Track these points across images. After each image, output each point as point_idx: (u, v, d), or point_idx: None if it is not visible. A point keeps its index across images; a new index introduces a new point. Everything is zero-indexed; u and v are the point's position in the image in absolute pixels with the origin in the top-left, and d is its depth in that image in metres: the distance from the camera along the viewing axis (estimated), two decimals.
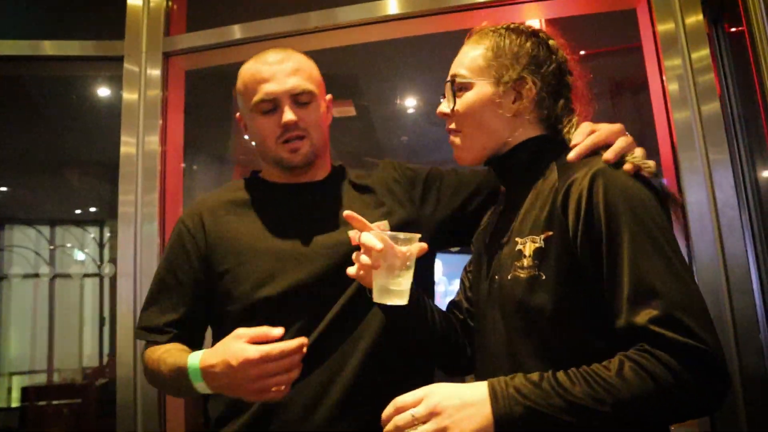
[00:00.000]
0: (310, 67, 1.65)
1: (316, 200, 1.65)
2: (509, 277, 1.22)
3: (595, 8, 2.55)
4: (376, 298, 1.27)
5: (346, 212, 1.34)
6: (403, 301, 1.27)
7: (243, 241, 1.57)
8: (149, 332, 1.60)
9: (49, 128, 4.46)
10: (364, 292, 1.38)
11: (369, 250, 1.25)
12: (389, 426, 1.06)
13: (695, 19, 2.18)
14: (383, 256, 1.23)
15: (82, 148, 4.80)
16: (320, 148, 1.65)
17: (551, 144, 1.34)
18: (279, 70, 1.58)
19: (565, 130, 1.34)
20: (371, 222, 1.35)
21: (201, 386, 1.39)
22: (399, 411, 1.05)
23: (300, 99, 1.58)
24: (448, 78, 1.39)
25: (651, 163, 1.18)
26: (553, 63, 1.35)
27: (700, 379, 0.99)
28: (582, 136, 1.27)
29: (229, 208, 1.65)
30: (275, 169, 1.67)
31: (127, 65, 2.72)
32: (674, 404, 1.00)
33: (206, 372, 1.36)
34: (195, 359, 1.39)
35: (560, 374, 1.04)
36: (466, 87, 1.35)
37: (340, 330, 1.49)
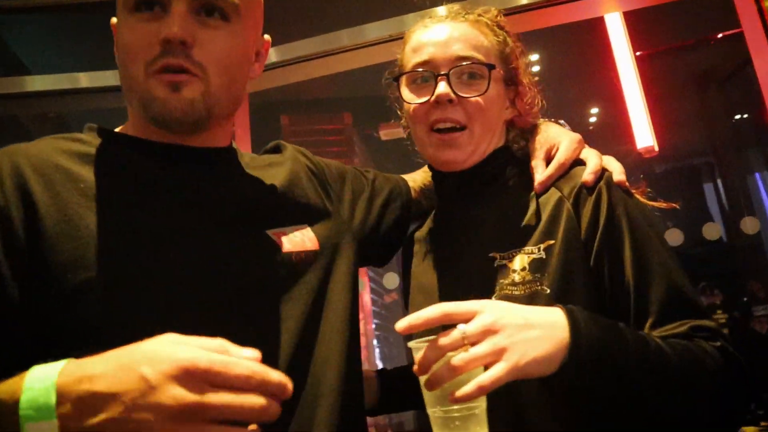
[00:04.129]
0: None
1: (216, 179, 1.06)
2: (494, 299, 1.07)
3: None
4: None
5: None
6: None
7: (108, 229, 0.91)
8: None
9: None
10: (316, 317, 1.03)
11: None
12: (436, 344, 0.82)
13: None
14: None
15: None
16: (223, 102, 1.02)
17: (510, 154, 1.25)
18: None
19: (512, 137, 1.27)
20: (286, 224, 1.07)
21: (45, 428, 0.65)
22: (447, 319, 0.84)
23: (208, 3, 0.97)
24: (462, 58, 1.17)
25: (642, 185, 1.19)
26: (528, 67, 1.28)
27: (736, 382, 0.98)
28: (541, 161, 1.19)
29: (72, 170, 0.95)
30: (143, 118, 1.00)
31: None
32: (714, 394, 0.96)
33: (70, 394, 0.65)
34: (44, 373, 0.68)
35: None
36: (483, 76, 1.17)
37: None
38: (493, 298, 1.06)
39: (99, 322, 0.87)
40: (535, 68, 5.90)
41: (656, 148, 3.10)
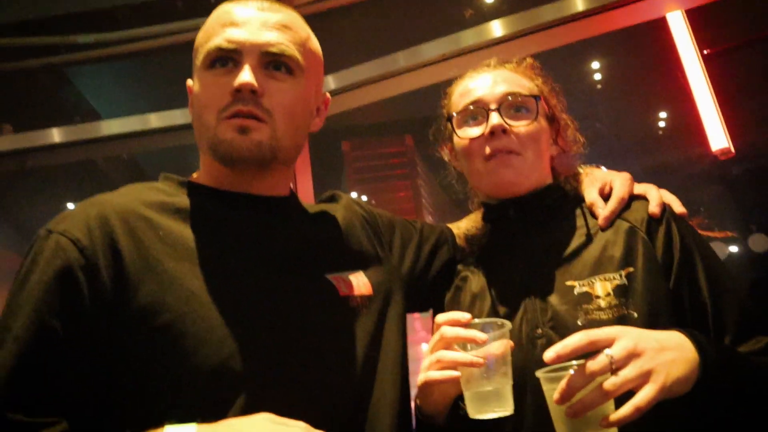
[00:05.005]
0: (305, 32, 1.15)
1: (280, 225, 1.13)
2: (581, 323, 1.11)
3: None
4: (476, 411, 1.00)
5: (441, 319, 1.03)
6: (508, 410, 1.00)
7: (183, 273, 0.98)
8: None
9: None
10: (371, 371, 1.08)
11: (463, 344, 1.01)
12: (586, 371, 0.87)
13: None
14: (485, 353, 0.99)
15: None
16: (286, 148, 1.10)
17: (564, 192, 1.34)
18: (258, 17, 1.07)
19: (562, 179, 1.36)
20: (343, 269, 1.13)
21: None
22: (593, 346, 0.90)
23: (276, 60, 1.07)
24: (509, 94, 1.27)
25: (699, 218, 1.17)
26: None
27: None
28: (597, 198, 1.27)
29: (152, 218, 1.02)
30: (212, 162, 1.09)
31: None
32: None
33: None
34: None
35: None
36: (530, 111, 1.27)
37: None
38: (579, 323, 1.11)
39: (176, 362, 0.93)
40: (598, 76, 5.78)
41: (732, 150, 2.96)
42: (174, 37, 3.62)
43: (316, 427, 0.88)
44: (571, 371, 0.88)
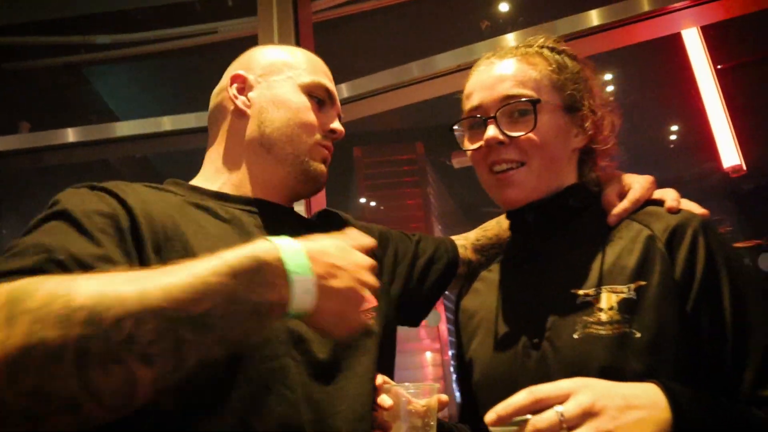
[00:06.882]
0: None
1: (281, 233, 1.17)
2: (576, 336, 1.02)
3: (761, 4, 2.15)
4: None
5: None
6: None
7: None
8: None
9: None
10: None
11: (380, 410, 1.02)
12: (529, 428, 0.80)
13: None
14: (395, 416, 1.02)
15: None
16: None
17: (588, 192, 1.23)
18: None
19: (588, 179, 1.24)
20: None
21: (304, 282, 0.79)
22: (539, 405, 0.82)
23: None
24: (507, 98, 1.16)
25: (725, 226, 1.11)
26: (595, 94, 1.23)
27: None
28: (614, 196, 1.18)
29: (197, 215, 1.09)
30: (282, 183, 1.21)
31: None
32: None
33: (316, 257, 0.83)
34: (285, 241, 0.83)
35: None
36: (534, 110, 1.14)
37: None
38: (575, 336, 1.02)
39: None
40: (610, 88, 5.77)
41: (744, 167, 2.95)
42: (192, 39, 3.65)
43: None
44: (516, 427, 0.83)
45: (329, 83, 1.25)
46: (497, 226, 1.45)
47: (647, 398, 0.85)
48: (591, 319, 1.02)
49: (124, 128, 3.01)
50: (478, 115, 1.18)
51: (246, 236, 1.07)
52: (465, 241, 1.45)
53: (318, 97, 1.22)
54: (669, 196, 1.14)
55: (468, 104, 1.22)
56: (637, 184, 1.19)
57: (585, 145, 1.22)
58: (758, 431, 0.89)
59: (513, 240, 1.32)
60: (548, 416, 0.80)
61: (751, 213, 7.35)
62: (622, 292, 1.02)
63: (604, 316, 1.01)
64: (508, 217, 1.28)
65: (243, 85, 1.22)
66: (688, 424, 0.84)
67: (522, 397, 0.83)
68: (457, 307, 1.34)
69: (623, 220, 1.14)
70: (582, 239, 1.16)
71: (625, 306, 1.01)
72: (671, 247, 1.04)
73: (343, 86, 2.49)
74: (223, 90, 1.24)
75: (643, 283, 1.02)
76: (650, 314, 0.99)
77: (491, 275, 1.29)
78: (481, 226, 1.50)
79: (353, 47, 3.56)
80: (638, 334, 0.98)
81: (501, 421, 0.83)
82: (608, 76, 5.40)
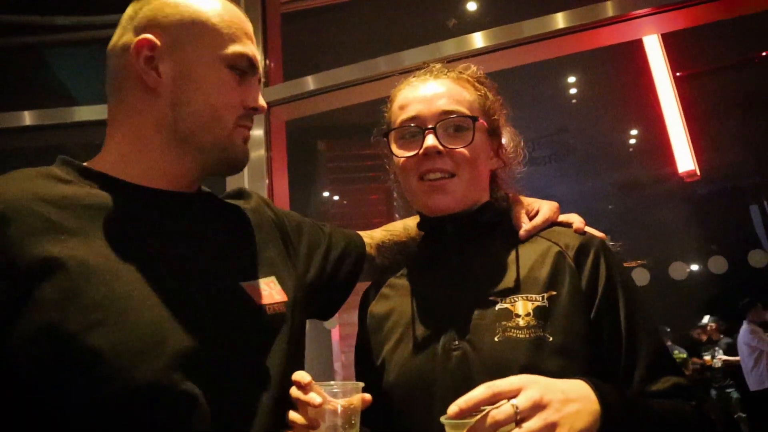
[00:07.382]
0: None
1: (184, 224, 1.10)
2: (497, 339, 1.13)
3: (721, 15, 2.22)
4: None
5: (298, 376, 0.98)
6: None
7: (102, 275, 0.92)
8: None
9: None
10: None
11: (304, 407, 1.00)
12: (489, 420, 0.87)
13: None
14: (321, 415, 1.00)
15: None
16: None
17: (500, 210, 1.34)
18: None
19: (495, 198, 1.34)
20: (256, 275, 1.11)
21: None
22: (496, 398, 0.90)
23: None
24: (447, 113, 1.24)
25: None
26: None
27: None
28: (523, 214, 1.31)
29: (59, 215, 0.96)
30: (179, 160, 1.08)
31: None
32: None
33: None
34: None
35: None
36: (468, 128, 1.24)
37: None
38: (496, 339, 1.12)
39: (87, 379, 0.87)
40: (573, 91, 5.86)
41: (698, 173, 3.04)
42: None
43: None
44: (476, 419, 0.87)
45: (252, 47, 1.11)
46: (404, 231, 1.48)
47: (580, 392, 0.95)
48: (510, 324, 1.13)
49: (83, 113, 2.93)
50: (416, 125, 1.24)
51: (129, 233, 1.00)
52: (370, 240, 1.45)
53: (240, 68, 1.08)
54: (575, 219, 1.29)
55: (403, 114, 1.28)
56: (546, 206, 1.32)
57: (496, 168, 1.34)
58: (664, 417, 1.04)
59: (425, 247, 1.37)
60: (505, 409, 0.87)
61: (704, 217, 7.56)
62: (537, 301, 1.15)
63: (522, 322, 1.13)
64: (426, 224, 1.33)
65: (152, 54, 1.03)
66: (613, 413, 0.95)
67: (481, 391, 0.89)
68: (364, 313, 1.36)
69: (532, 236, 1.27)
70: (496, 251, 1.27)
71: (539, 313, 1.13)
72: (579, 262, 1.18)
73: (309, 78, 2.47)
74: (127, 51, 1.05)
75: (554, 292, 1.15)
76: (561, 320, 1.12)
77: (400, 281, 1.34)
78: (385, 227, 1.52)
79: (321, 40, 3.54)
80: (551, 338, 1.11)
81: (462, 413, 0.88)
82: (571, 79, 5.49)
